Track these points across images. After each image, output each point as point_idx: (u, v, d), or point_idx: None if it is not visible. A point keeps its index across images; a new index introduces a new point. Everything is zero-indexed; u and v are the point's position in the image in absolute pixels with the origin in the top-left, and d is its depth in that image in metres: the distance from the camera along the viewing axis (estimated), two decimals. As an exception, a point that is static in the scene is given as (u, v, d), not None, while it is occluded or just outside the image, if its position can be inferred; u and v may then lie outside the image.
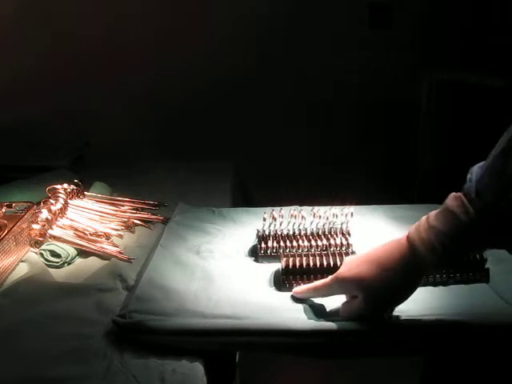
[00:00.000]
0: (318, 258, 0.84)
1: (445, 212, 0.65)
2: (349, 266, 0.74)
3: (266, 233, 0.95)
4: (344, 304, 0.75)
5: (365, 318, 0.71)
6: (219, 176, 1.41)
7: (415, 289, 0.70)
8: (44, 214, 0.99)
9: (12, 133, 1.68)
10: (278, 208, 1.00)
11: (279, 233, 0.95)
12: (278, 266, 0.87)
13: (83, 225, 1.04)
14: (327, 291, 0.77)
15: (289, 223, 0.95)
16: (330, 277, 0.75)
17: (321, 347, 0.71)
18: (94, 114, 1.97)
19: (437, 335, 0.71)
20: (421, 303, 0.77)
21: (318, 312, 0.77)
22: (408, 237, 0.69)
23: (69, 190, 1.11)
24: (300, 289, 0.80)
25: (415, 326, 0.71)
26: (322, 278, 0.82)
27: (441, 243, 0.64)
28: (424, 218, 0.68)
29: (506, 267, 0.87)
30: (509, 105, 1.71)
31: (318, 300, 0.80)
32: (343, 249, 0.92)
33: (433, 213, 0.67)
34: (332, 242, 0.93)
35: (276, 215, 0.94)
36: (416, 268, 0.68)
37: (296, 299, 0.80)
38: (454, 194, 0.66)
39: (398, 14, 2.01)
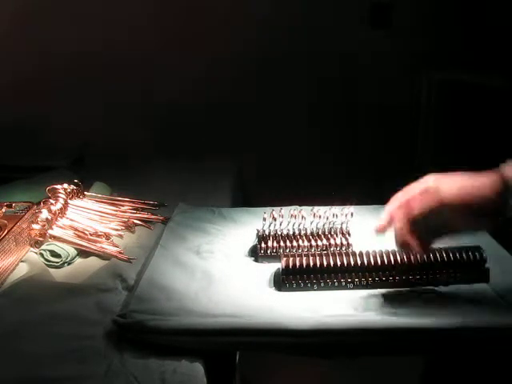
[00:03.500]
0: (318, 257, 0.84)
1: None
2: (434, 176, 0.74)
3: (266, 233, 0.95)
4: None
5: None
6: (219, 176, 1.41)
7: (491, 225, 0.73)
8: (44, 213, 0.99)
9: (12, 133, 1.68)
10: (278, 208, 1.00)
11: (279, 233, 0.95)
12: (278, 265, 0.87)
13: (83, 225, 1.04)
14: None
15: (289, 223, 0.95)
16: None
17: (321, 347, 0.71)
18: (93, 114, 1.97)
19: (437, 335, 0.71)
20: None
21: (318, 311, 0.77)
22: (502, 173, 0.69)
23: (69, 190, 1.11)
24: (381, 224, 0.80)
25: (415, 325, 0.71)
26: (322, 278, 0.82)
27: None
28: None
29: (505, 267, 0.87)
30: (509, 105, 1.71)
31: (319, 300, 0.79)
32: (343, 249, 0.93)
33: None
34: (332, 241, 0.93)
35: (276, 215, 0.94)
36: (501, 199, 0.68)
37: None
38: None
39: (398, 14, 2.01)
